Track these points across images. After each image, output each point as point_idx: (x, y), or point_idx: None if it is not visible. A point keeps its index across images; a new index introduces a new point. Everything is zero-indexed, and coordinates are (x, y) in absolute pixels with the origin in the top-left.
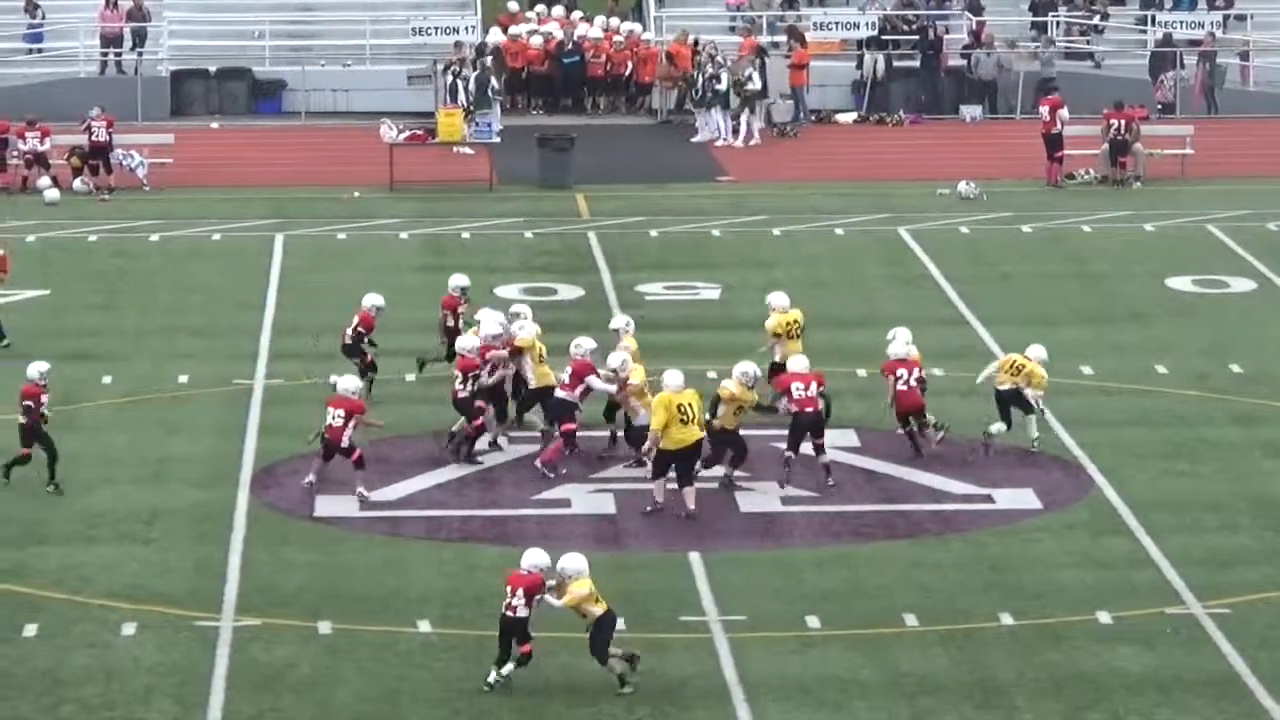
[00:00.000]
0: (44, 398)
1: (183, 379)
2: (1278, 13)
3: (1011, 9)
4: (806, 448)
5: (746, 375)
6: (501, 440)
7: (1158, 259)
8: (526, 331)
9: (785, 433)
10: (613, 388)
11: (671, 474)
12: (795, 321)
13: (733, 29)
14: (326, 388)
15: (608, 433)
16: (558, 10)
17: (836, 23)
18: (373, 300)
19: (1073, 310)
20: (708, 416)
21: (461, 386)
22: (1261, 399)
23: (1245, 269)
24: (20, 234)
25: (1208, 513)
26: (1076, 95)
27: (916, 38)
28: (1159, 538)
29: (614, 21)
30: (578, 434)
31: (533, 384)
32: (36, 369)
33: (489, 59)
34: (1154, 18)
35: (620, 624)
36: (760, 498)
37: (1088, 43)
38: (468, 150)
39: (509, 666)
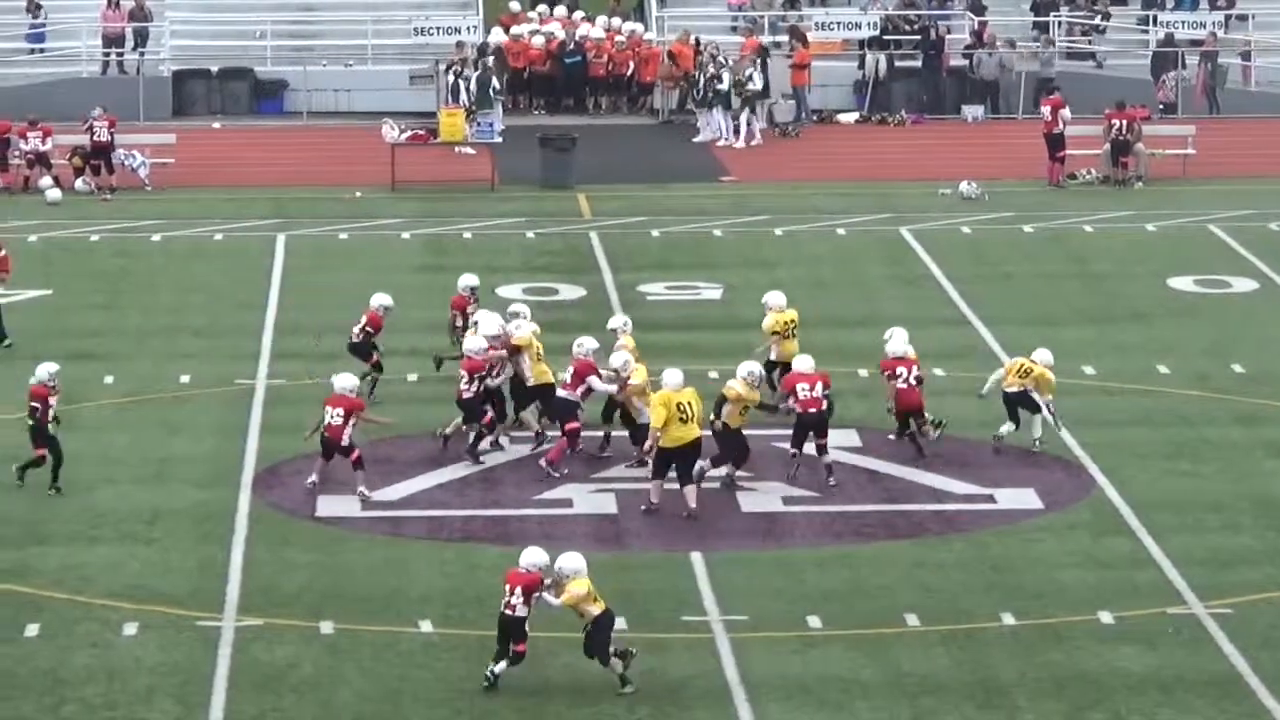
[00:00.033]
0: (53, 400)
1: (184, 379)
2: (1279, 12)
3: (1013, 9)
4: (809, 448)
5: (752, 375)
6: (503, 440)
7: (1159, 259)
8: (524, 329)
9: (788, 433)
10: (613, 388)
11: (672, 474)
12: (792, 321)
13: (734, 29)
14: (328, 388)
15: (602, 433)
16: (559, 10)
17: (838, 23)
18: (381, 300)
19: (1074, 310)
20: (711, 416)
21: (466, 387)
22: (1263, 399)
23: (1247, 269)
24: (22, 234)
25: (1210, 513)
26: (1078, 95)
27: (918, 38)
28: (1161, 538)
29: (616, 21)
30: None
31: (531, 382)
32: (46, 370)
33: (491, 59)
34: (1155, 18)
35: (621, 624)
36: (762, 498)
37: (1089, 43)
38: (469, 150)
39: (501, 664)
